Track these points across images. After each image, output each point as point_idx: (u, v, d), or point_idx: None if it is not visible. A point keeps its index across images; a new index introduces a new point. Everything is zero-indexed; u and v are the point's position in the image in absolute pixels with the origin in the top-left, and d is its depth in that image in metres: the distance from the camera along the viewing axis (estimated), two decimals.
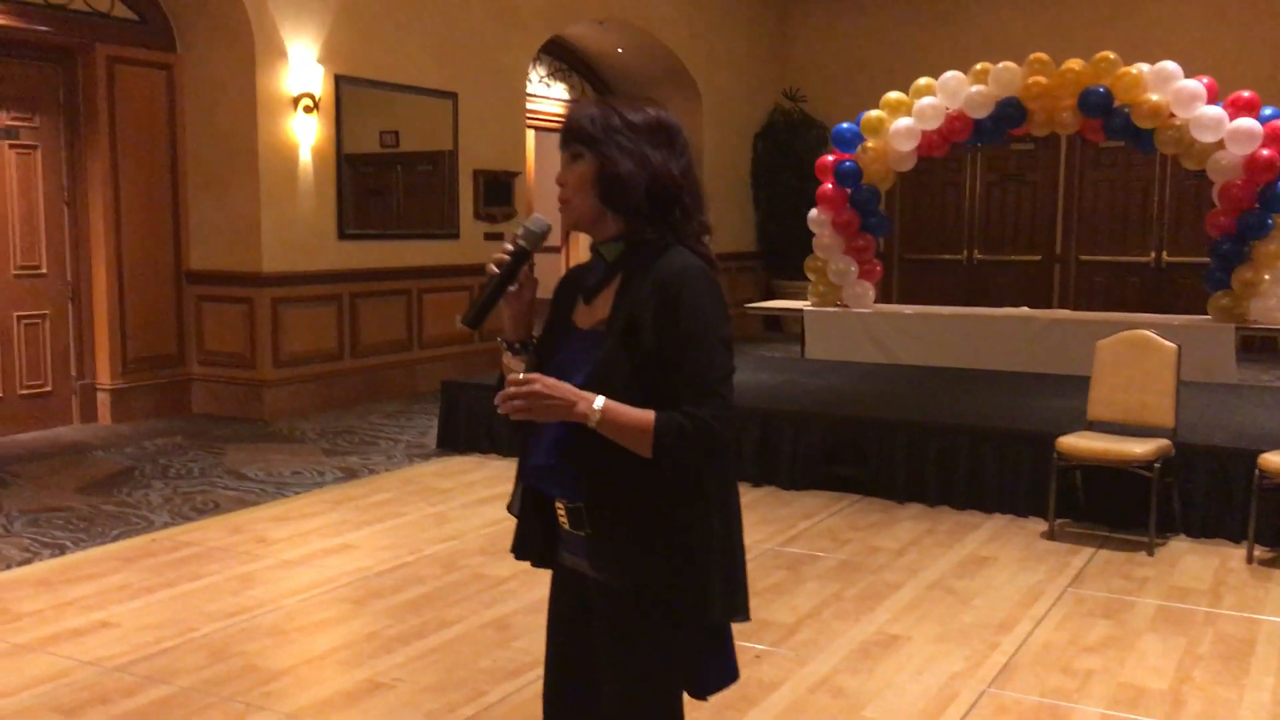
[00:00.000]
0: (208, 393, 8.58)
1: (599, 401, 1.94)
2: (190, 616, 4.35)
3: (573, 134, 2.06)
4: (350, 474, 6.74)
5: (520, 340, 2.17)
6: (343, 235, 8.93)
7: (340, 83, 8.76)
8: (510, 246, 2.09)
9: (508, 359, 2.18)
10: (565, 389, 1.95)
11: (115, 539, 5.36)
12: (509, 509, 2.23)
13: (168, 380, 8.49)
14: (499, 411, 1.97)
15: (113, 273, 8.06)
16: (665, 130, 2.07)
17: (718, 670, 2.15)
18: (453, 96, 9.83)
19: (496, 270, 2.08)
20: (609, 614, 2.09)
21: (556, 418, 1.97)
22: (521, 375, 1.97)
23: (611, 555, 2.03)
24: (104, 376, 8.12)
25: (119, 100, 8.03)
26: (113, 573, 4.86)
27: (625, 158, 2.02)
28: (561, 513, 2.12)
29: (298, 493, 6.29)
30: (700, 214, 2.09)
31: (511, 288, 2.10)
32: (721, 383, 1.98)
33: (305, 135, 8.53)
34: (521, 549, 2.22)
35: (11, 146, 7.62)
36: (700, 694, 2.16)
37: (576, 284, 2.18)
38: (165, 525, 5.60)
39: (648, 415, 1.94)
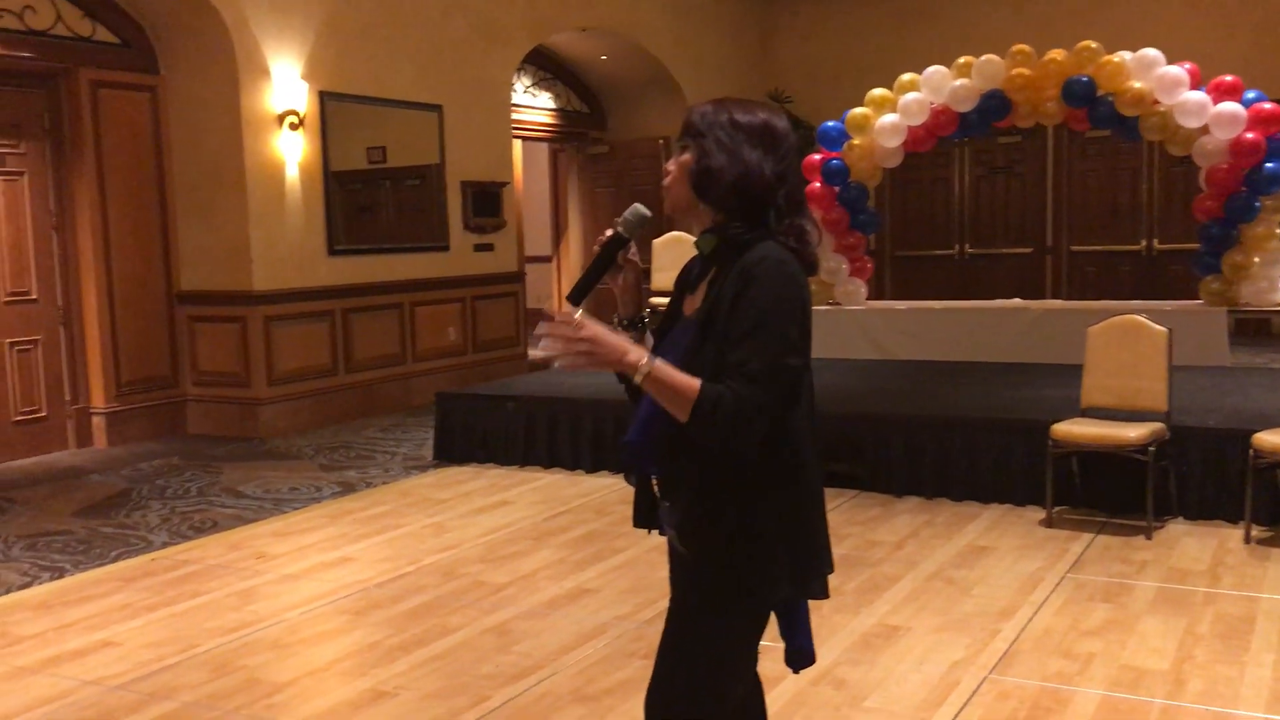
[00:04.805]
0: (202, 413, 8.58)
1: (651, 358, 1.99)
2: (192, 633, 4.35)
3: (685, 127, 2.16)
4: (347, 488, 6.74)
5: (629, 317, 2.27)
6: (333, 251, 8.93)
7: (325, 99, 8.78)
8: (609, 232, 2.21)
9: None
10: (616, 341, 1.99)
11: (114, 560, 5.36)
12: (626, 479, 2.30)
13: (162, 401, 8.49)
14: (556, 364, 2.01)
15: (103, 296, 8.06)
16: (770, 134, 2.11)
17: (797, 649, 2.24)
18: (438, 109, 9.84)
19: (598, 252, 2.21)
20: (680, 581, 2.22)
21: (608, 366, 2.00)
22: (576, 317, 2.01)
23: (682, 525, 2.12)
24: (98, 400, 8.11)
25: (104, 124, 8.04)
26: (113, 593, 4.86)
27: (721, 152, 2.09)
28: (655, 485, 2.21)
29: (295, 508, 6.28)
30: (796, 217, 2.12)
31: (616, 272, 2.23)
32: (765, 374, 1.97)
33: (291, 152, 8.54)
34: (638, 518, 2.30)
35: None
36: (791, 665, 2.26)
37: (688, 273, 2.26)
38: (164, 545, 5.60)
39: (694, 382, 1.98)
